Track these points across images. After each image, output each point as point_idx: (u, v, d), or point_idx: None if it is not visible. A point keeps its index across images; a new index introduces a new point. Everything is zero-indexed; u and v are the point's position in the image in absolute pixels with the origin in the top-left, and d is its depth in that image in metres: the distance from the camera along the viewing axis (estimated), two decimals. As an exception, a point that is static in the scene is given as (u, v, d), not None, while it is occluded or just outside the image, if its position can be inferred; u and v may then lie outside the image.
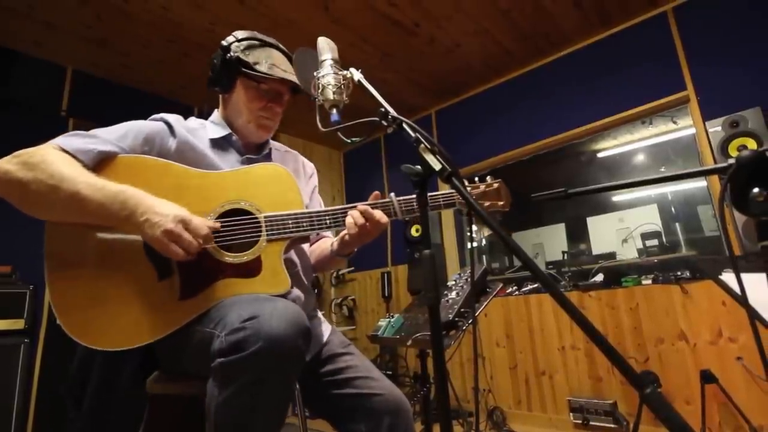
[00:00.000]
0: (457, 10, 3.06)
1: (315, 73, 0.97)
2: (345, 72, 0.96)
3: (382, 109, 0.88)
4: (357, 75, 0.96)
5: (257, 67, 1.17)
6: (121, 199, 0.90)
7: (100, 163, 0.98)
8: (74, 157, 0.94)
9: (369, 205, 1.13)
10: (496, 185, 1.32)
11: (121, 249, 0.97)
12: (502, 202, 1.29)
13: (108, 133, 1.03)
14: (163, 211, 0.90)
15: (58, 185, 0.88)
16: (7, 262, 2.75)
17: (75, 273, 0.93)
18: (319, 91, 0.96)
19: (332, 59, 0.98)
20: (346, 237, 1.16)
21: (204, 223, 0.96)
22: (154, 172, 1.03)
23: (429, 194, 1.21)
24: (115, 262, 0.96)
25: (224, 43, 1.20)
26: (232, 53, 1.17)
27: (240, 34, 1.22)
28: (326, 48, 1.00)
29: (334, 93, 0.94)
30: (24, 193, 0.89)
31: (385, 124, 0.87)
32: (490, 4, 3.02)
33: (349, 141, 1.02)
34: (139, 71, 3.53)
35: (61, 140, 0.96)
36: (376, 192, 1.18)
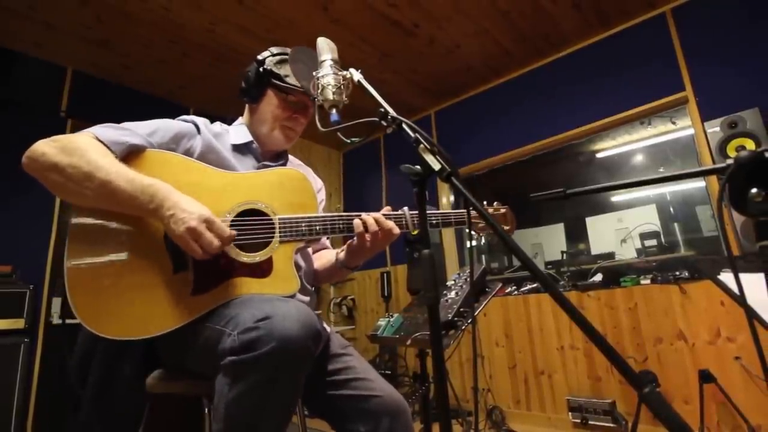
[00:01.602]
0: (457, 11, 3.07)
1: (315, 73, 0.98)
2: (345, 72, 0.96)
3: (382, 110, 0.88)
4: (357, 75, 0.96)
5: (287, 79, 1.23)
6: (151, 192, 0.93)
7: (128, 156, 1.01)
8: (107, 147, 0.97)
9: (377, 216, 1.16)
10: (503, 210, 1.39)
11: (141, 239, 0.98)
12: (508, 227, 1.38)
13: (139, 128, 1.06)
14: (189, 208, 0.92)
15: (93, 172, 0.90)
16: (8, 262, 2.75)
17: (94, 257, 0.95)
18: (319, 91, 0.96)
19: (332, 59, 0.98)
20: (354, 243, 1.17)
21: (226, 227, 0.97)
22: (177, 169, 1.06)
23: (441, 212, 1.27)
24: (133, 250, 0.97)
25: (259, 57, 1.28)
26: (266, 66, 1.25)
27: (275, 49, 1.29)
28: (326, 48, 1.00)
29: (333, 93, 0.94)
30: (59, 176, 0.91)
31: (385, 124, 0.87)
32: (489, 5, 3.03)
33: (348, 141, 1.02)
34: (139, 72, 3.53)
35: (97, 130, 0.99)
36: (388, 207, 1.22)
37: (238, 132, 1.28)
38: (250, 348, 0.80)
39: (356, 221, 1.13)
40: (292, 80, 1.22)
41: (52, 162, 0.91)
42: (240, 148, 1.25)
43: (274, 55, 1.27)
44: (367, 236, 1.13)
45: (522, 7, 3.07)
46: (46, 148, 0.92)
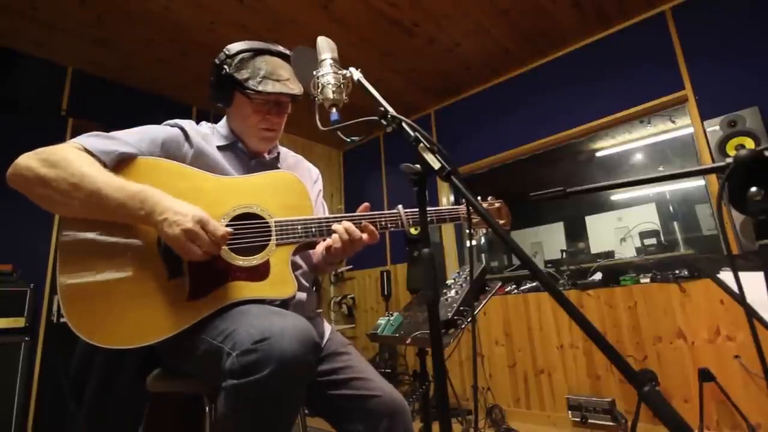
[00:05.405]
0: (457, 10, 3.06)
1: (315, 72, 0.97)
2: (344, 71, 0.96)
3: (382, 109, 0.88)
4: (356, 74, 0.96)
5: (249, 83, 1.15)
6: (141, 198, 0.92)
7: (119, 164, 1.00)
8: (95, 157, 0.96)
9: (372, 215, 1.15)
10: (497, 204, 1.37)
11: (133, 246, 0.97)
12: (503, 221, 1.36)
13: (127, 135, 1.05)
14: (182, 210, 0.92)
15: (79, 183, 0.90)
16: (8, 261, 2.75)
17: (86, 267, 0.93)
18: (319, 90, 0.96)
19: (332, 58, 0.98)
20: (332, 248, 1.15)
21: (221, 225, 0.97)
22: (170, 175, 1.05)
23: (435, 208, 1.24)
24: (126, 259, 0.96)
25: (216, 60, 1.19)
26: (225, 70, 1.17)
27: (233, 48, 1.19)
28: (326, 47, 1.00)
29: (333, 92, 0.94)
30: (45, 190, 0.90)
31: (385, 123, 0.87)
32: (489, 4, 3.02)
33: (348, 140, 1.02)
34: (139, 71, 3.53)
35: (83, 140, 0.98)
36: (366, 204, 1.19)
37: (222, 133, 1.25)
38: (250, 371, 0.80)
39: (335, 226, 1.11)
40: (254, 83, 1.15)
41: (38, 175, 0.90)
42: (227, 149, 1.22)
43: (231, 56, 1.17)
44: (340, 243, 1.11)
45: (522, 6, 3.07)
46: (31, 161, 0.91)
